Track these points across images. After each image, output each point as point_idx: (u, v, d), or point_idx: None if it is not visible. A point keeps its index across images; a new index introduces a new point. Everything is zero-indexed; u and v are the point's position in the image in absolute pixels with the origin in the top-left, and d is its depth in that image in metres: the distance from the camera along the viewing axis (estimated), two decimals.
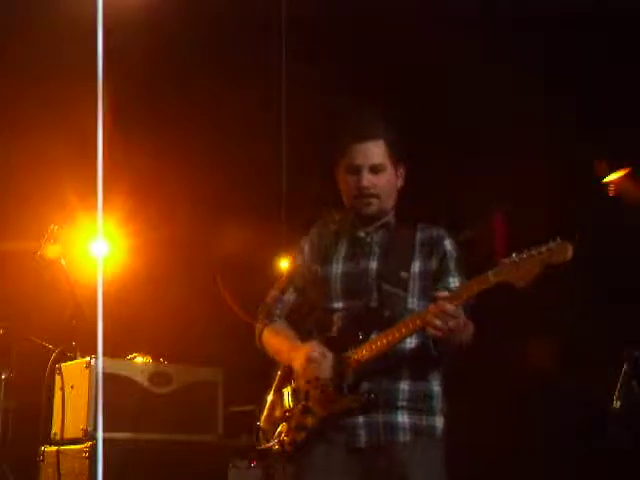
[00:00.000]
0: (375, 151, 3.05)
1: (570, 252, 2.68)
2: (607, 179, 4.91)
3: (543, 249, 2.71)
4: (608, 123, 4.84)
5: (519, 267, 2.72)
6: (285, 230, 5.42)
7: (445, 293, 2.84)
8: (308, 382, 2.98)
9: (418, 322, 2.85)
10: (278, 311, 3.22)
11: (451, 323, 2.76)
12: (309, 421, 2.99)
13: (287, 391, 3.09)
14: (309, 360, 2.96)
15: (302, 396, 3.02)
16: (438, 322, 2.77)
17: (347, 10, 5.25)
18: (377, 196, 3.07)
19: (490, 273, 2.77)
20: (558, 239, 2.70)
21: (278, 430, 3.06)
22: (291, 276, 3.25)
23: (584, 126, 4.86)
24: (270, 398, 3.16)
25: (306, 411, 2.99)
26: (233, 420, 5.08)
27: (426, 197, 3.17)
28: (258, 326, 3.26)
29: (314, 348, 2.98)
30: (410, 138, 3.17)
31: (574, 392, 4.86)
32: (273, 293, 3.28)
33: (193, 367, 4.94)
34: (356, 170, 3.06)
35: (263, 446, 3.11)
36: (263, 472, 4.96)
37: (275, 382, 3.18)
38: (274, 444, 3.05)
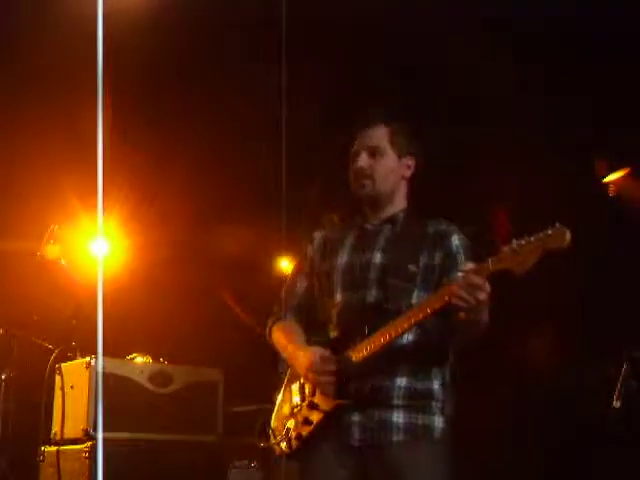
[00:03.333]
0: (374, 135, 3.10)
1: (568, 238, 2.67)
2: (607, 179, 4.91)
3: (541, 235, 2.71)
4: (608, 123, 4.84)
5: (518, 254, 2.72)
6: (285, 230, 5.42)
7: (471, 265, 2.78)
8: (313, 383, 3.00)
9: (445, 297, 2.77)
10: (290, 304, 3.24)
11: (480, 296, 2.72)
12: (315, 416, 3.00)
13: (295, 388, 3.11)
14: (312, 365, 2.96)
15: (308, 392, 3.04)
16: (465, 294, 2.72)
17: (348, 10, 5.24)
18: (371, 177, 3.08)
19: (490, 261, 2.77)
20: (557, 225, 2.70)
21: (286, 426, 3.08)
22: (302, 266, 3.27)
23: (585, 126, 4.86)
24: (280, 396, 3.19)
25: (312, 406, 3.01)
26: (233, 420, 5.09)
27: (427, 193, 3.16)
28: (268, 322, 3.27)
29: (316, 353, 2.98)
30: (416, 135, 3.18)
31: (574, 392, 4.86)
32: (287, 284, 3.30)
33: (193, 367, 4.95)
34: (356, 154, 3.11)
35: (270, 443, 3.12)
36: (263, 472, 4.97)
37: (285, 380, 3.20)
38: (281, 440, 3.06)
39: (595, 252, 4.61)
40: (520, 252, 2.71)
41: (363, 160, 3.08)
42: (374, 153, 3.08)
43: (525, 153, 4.96)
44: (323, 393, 2.96)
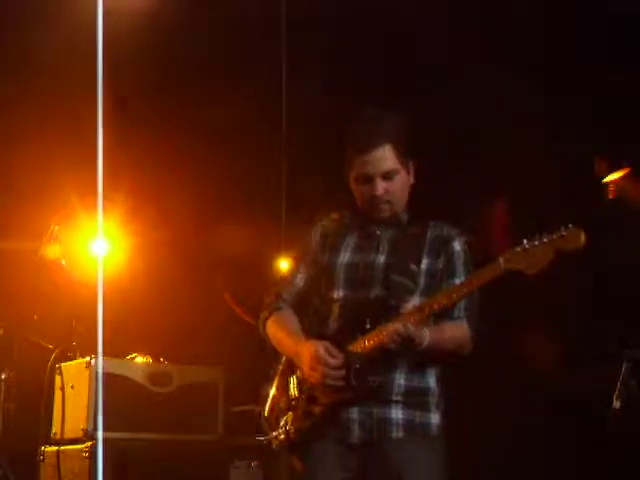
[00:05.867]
0: (384, 158, 3.02)
1: (582, 238, 2.64)
2: (607, 179, 4.90)
3: (554, 236, 2.68)
4: (608, 123, 4.84)
5: (530, 254, 2.69)
6: (285, 230, 5.42)
7: (411, 306, 2.90)
8: (314, 378, 2.98)
9: (381, 337, 2.89)
10: (286, 295, 3.20)
11: (399, 340, 2.84)
12: (315, 409, 2.99)
13: (292, 380, 3.09)
14: (314, 359, 2.95)
15: (308, 385, 3.02)
16: (389, 342, 2.85)
17: (348, 9, 5.24)
18: (390, 202, 3.06)
19: (501, 260, 2.75)
20: (570, 225, 2.67)
21: (284, 419, 3.07)
22: (301, 260, 3.24)
23: (584, 126, 4.85)
24: (274, 388, 3.16)
25: (312, 400, 3.00)
26: (233, 420, 5.08)
27: (426, 192, 3.15)
28: (263, 313, 3.23)
29: (320, 345, 2.97)
30: (413, 135, 3.15)
31: (574, 392, 4.86)
32: (284, 276, 3.27)
33: (193, 367, 4.95)
34: (368, 179, 3.04)
35: (268, 436, 3.10)
36: (263, 472, 4.96)
37: (278, 372, 3.18)
38: (279, 433, 3.05)
39: (595, 252, 4.60)
40: (532, 252, 2.69)
41: (380, 187, 3.03)
42: (388, 177, 3.04)
43: (524, 153, 4.95)
44: (328, 385, 2.95)
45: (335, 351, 2.94)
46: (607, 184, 4.89)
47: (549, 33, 4.98)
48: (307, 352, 2.98)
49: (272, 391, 3.16)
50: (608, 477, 4.46)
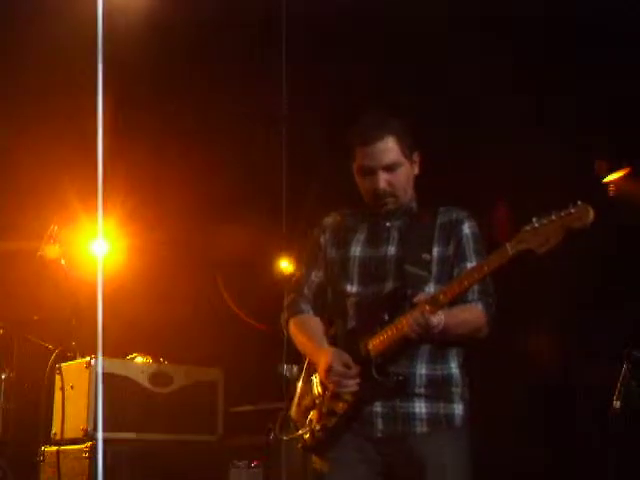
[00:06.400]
0: (387, 150, 3.03)
1: (591, 215, 2.60)
2: (607, 179, 4.91)
3: (563, 213, 2.66)
4: (608, 123, 4.84)
5: (540, 233, 2.67)
6: (285, 230, 5.42)
7: (423, 296, 2.87)
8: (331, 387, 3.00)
9: (401, 326, 2.88)
10: (306, 290, 3.20)
11: (420, 330, 2.84)
12: (340, 406, 2.99)
13: (315, 378, 3.09)
14: (330, 370, 2.96)
15: None
16: (411, 332, 2.84)
17: (347, 9, 5.24)
18: (393, 194, 3.06)
19: (508, 245, 2.74)
20: (579, 202, 2.65)
21: (309, 418, 3.06)
22: (316, 255, 3.23)
23: (584, 126, 4.86)
24: (299, 386, 3.16)
25: (336, 397, 3.00)
26: (233, 420, 5.09)
27: (428, 188, 3.15)
28: (283, 314, 3.24)
29: (335, 359, 2.97)
30: (415, 131, 3.15)
31: (574, 391, 4.86)
32: (301, 271, 3.25)
33: (193, 367, 4.95)
34: (370, 172, 3.05)
35: (294, 435, 3.10)
36: (263, 472, 4.97)
37: (304, 370, 3.17)
38: (305, 432, 3.05)
39: (595, 252, 4.61)
40: (542, 231, 2.68)
41: (382, 180, 3.03)
42: (390, 169, 3.04)
43: (524, 153, 4.96)
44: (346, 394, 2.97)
45: (350, 362, 2.95)
46: (607, 184, 4.90)
47: (549, 33, 4.98)
48: (324, 362, 2.99)
49: (297, 391, 3.17)
50: (608, 477, 4.46)
